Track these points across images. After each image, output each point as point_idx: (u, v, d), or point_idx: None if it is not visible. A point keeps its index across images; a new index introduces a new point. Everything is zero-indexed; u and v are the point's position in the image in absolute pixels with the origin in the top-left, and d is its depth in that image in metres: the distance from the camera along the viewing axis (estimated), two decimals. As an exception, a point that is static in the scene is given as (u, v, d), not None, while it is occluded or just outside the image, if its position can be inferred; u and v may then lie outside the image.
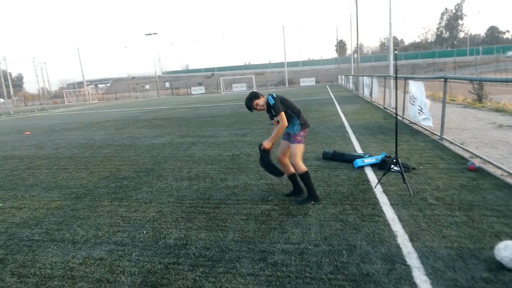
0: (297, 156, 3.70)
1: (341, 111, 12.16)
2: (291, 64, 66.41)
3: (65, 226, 3.53)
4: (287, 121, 3.60)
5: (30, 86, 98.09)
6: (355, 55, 37.08)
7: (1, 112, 31.91)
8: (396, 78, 4.14)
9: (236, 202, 3.95)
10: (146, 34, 47.58)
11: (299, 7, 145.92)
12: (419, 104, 7.40)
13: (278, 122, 3.63)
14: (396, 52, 3.94)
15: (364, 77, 17.22)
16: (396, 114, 4.28)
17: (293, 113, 3.72)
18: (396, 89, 4.22)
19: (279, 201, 3.88)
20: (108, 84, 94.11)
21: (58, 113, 25.34)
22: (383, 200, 3.70)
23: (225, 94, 39.12)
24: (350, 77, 26.28)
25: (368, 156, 5.20)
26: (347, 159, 5.35)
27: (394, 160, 4.80)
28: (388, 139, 6.92)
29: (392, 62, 12.59)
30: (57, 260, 2.85)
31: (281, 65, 78.48)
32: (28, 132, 12.59)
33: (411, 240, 2.76)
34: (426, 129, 7.51)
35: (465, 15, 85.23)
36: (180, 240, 3.06)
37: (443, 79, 6.51)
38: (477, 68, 39.01)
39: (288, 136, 3.81)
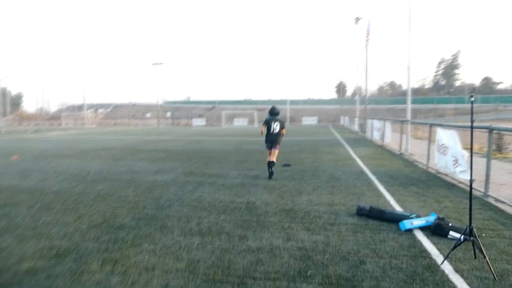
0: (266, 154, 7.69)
1: (354, 155, 11.44)
2: (292, 102, 66.90)
3: (34, 307, 2.55)
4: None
5: (30, 105, 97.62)
6: (356, 97, 37.34)
7: (-6, 132, 30.93)
8: (472, 128, 3.42)
9: (266, 275, 3.02)
10: (152, 64, 48.16)
11: (300, 48, 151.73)
12: (453, 155, 6.68)
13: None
14: (472, 99, 3.25)
15: (375, 120, 16.77)
16: (472, 175, 3.51)
17: (266, 131, 7.45)
18: (472, 141, 3.48)
19: (322, 279, 2.96)
20: (109, 110, 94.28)
21: (53, 136, 24.48)
22: (462, 286, 2.81)
23: (226, 128, 38.72)
24: (356, 118, 26.00)
25: (416, 217, 4.35)
26: (388, 218, 4.48)
27: (451, 228, 3.98)
28: (424, 192, 6.09)
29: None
30: None
31: (281, 102, 79.15)
32: (15, 157, 11.65)
33: None
34: (461, 182, 6.72)
35: (461, 65, 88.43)
36: None
37: (487, 130, 5.85)
38: (478, 116, 39.31)
39: None
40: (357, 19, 26.72)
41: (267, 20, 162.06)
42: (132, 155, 12.12)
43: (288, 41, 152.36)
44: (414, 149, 12.43)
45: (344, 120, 37.13)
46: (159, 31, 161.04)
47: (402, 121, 11.59)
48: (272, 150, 7.38)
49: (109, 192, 6.27)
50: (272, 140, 7.36)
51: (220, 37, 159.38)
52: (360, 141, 17.16)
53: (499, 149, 12.16)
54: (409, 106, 11.94)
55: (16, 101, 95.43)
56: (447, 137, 7.17)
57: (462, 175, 6.32)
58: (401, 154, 11.33)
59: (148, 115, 50.75)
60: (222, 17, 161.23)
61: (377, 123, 16.04)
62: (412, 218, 4.32)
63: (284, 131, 7.48)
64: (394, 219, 4.42)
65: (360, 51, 50.21)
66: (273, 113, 7.47)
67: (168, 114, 51.86)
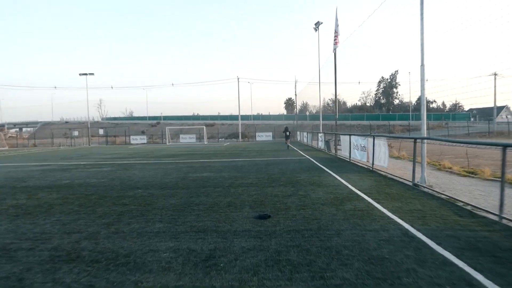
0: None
1: (354, 188, 7.84)
2: (242, 118, 63.90)
3: None
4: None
5: None
6: (306, 112, 35.06)
7: None
8: None
9: None
10: (80, 74, 41.24)
11: (250, 63, 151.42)
12: None
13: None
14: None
15: (355, 136, 13.61)
16: None
17: (284, 135, 26.40)
18: None
19: None
20: (36, 128, 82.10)
21: None
22: None
23: (171, 146, 33.65)
24: (320, 134, 23.04)
25: None
26: None
27: None
28: None
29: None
30: None
31: (231, 117, 75.62)
32: None
33: None
34: None
35: (399, 84, 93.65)
36: None
37: None
38: (430, 132, 39.56)
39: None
40: (318, 24, 24.22)
41: (213, 37, 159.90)
42: (-5, 200, 7.15)
43: (237, 56, 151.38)
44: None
45: (302, 136, 34.37)
46: (97, 44, 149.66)
47: (415, 139, 8.33)
48: (287, 141, 25.65)
49: None
50: (286, 138, 25.35)
51: (166, 52, 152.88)
52: (337, 162, 13.85)
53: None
54: (424, 120, 8.81)
55: None
56: None
57: None
58: (416, 185, 8.02)
59: (76, 133, 43.11)
60: (166, 32, 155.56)
61: (359, 140, 12.87)
62: None
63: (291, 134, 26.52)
64: None
65: (315, 64, 48.53)
66: (286, 128, 25.49)
67: (101, 131, 44.86)
